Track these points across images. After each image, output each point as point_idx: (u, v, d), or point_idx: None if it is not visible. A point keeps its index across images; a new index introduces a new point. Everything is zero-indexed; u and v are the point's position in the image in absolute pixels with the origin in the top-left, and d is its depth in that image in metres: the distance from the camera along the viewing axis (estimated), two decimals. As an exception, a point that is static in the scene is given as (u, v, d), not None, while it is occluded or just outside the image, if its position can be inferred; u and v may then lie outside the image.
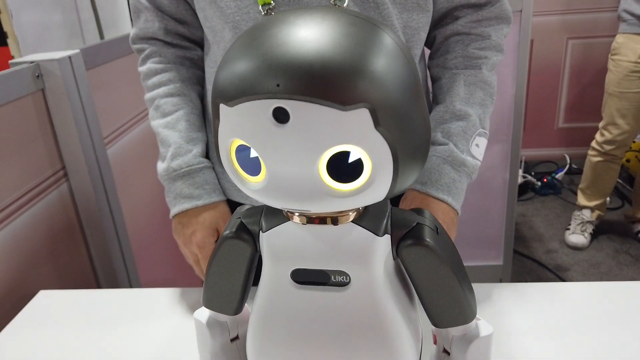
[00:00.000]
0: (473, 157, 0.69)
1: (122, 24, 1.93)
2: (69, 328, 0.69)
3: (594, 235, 2.31)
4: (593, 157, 2.18)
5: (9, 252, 0.83)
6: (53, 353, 0.64)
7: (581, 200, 2.30)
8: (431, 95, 0.76)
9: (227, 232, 0.38)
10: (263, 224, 0.37)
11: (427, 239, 0.34)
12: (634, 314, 0.62)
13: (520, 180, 2.73)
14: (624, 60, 1.95)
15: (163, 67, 0.73)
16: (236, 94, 0.27)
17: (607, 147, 2.10)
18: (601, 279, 2.05)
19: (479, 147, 0.69)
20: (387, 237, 0.35)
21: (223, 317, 0.43)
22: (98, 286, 1.06)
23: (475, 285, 0.69)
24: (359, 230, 0.34)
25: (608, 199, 2.30)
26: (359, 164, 0.29)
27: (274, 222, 0.36)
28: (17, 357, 0.64)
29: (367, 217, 0.35)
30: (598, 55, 2.76)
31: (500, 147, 1.76)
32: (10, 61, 0.91)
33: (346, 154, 0.28)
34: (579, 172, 2.94)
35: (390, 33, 0.30)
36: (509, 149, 1.76)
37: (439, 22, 0.72)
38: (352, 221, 0.34)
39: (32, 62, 0.91)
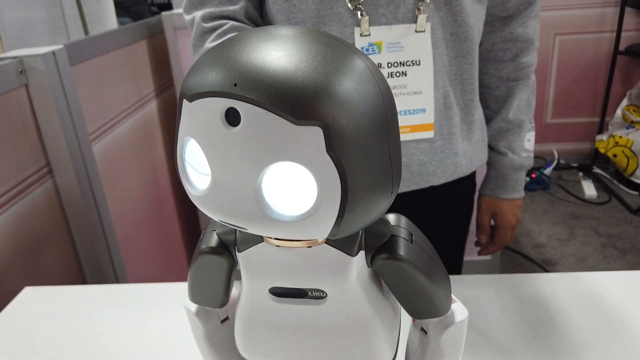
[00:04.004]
0: (527, 151, 0.84)
1: (107, 20, 1.91)
2: (55, 324, 0.69)
3: (583, 231, 2.33)
4: None
5: (-7, 249, 0.82)
6: (39, 349, 0.64)
7: None
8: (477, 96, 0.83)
9: (204, 246, 0.38)
10: (238, 239, 0.37)
11: (401, 253, 0.34)
12: (618, 303, 0.63)
13: (508, 175, 2.75)
14: None
15: None
16: (196, 89, 0.27)
17: None
18: (588, 273, 2.07)
19: (530, 141, 0.85)
20: (362, 253, 0.35)
21: (211, 308, 0.44)
22: (84, 282, 1.06)
23: (464, 277, 0.70)
24: (333, 252, 0.34)
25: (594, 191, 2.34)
26: (304, 188, 0.28)
27: (249, 240, 0.36)
28: (2, 354, 0.64)
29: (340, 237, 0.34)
30: (585, 51, 2.79)
31: (487, 143, 1.77)
32: (-7, 56, 0.91)
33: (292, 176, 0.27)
34: (567, 167, 2.96)
35: (368, 62, 0.29)
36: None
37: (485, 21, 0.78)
38: (325, 242, 0.34)
39: (15, 58, 0.90)
